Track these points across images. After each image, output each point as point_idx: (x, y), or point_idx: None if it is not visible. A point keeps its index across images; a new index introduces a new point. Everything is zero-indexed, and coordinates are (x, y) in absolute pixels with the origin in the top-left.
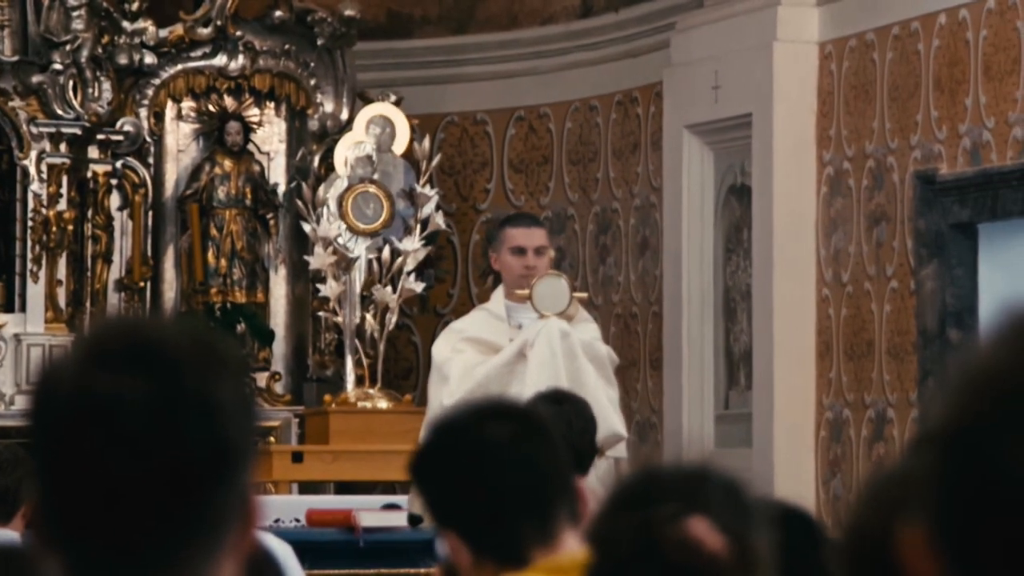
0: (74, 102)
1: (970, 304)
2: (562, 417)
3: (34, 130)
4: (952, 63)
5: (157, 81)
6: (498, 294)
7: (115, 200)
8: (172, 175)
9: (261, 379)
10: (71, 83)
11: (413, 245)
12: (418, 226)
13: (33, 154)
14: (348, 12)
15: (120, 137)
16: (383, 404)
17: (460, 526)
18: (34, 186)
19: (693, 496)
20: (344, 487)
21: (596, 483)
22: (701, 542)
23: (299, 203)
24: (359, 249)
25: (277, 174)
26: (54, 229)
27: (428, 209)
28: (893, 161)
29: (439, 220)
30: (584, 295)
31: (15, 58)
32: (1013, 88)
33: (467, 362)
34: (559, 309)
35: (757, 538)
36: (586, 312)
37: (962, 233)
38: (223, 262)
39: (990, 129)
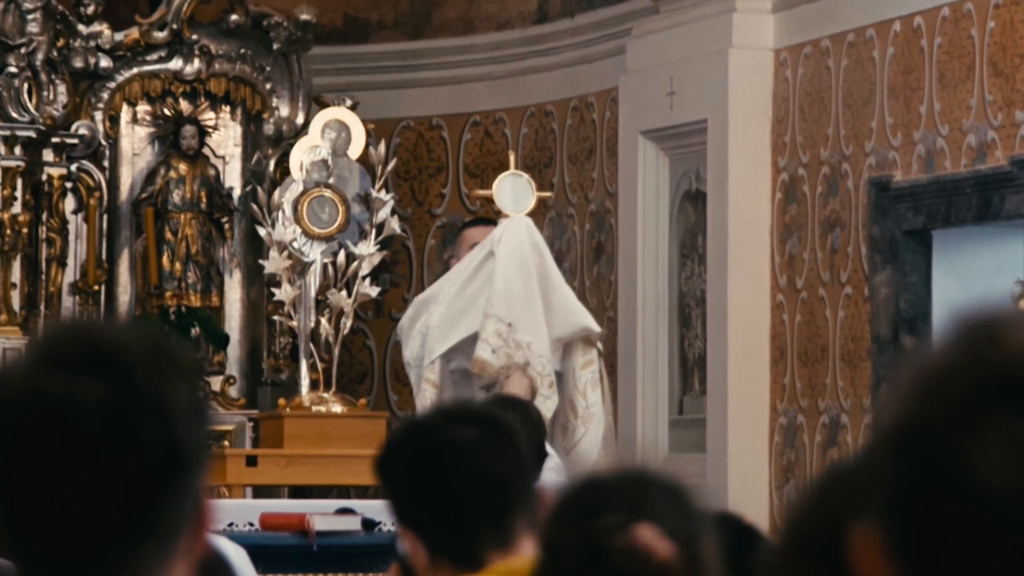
0: (29, 105)
1: (924, 310)
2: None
3: None
4: (907, 70)
5: (112, 84)
6: None
7: (70, 203)
8: (127, 179)
9: (215, 383)
10: (26, 86)
11: (368, 249)
12: (373, 230)
13: None
14: (304, 16)
15: (75, 140)
16: (338, 408)
17: (419, 526)
18: None
19: (638, 503)
20: (298, 491)
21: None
22: (650, 550)
23: (254, 207)
24: (314, 253)
25: (232, 178)
26: (8, 232)
27: (383, 214)
28: (848, 168)
29: (394, 225)
30: (548, 194)
31: None
32: (967, 95)
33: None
34: (524, 208)
35: (704, 541)
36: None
37: (916, 240)
38: (178, 266)
39: (944, 136)
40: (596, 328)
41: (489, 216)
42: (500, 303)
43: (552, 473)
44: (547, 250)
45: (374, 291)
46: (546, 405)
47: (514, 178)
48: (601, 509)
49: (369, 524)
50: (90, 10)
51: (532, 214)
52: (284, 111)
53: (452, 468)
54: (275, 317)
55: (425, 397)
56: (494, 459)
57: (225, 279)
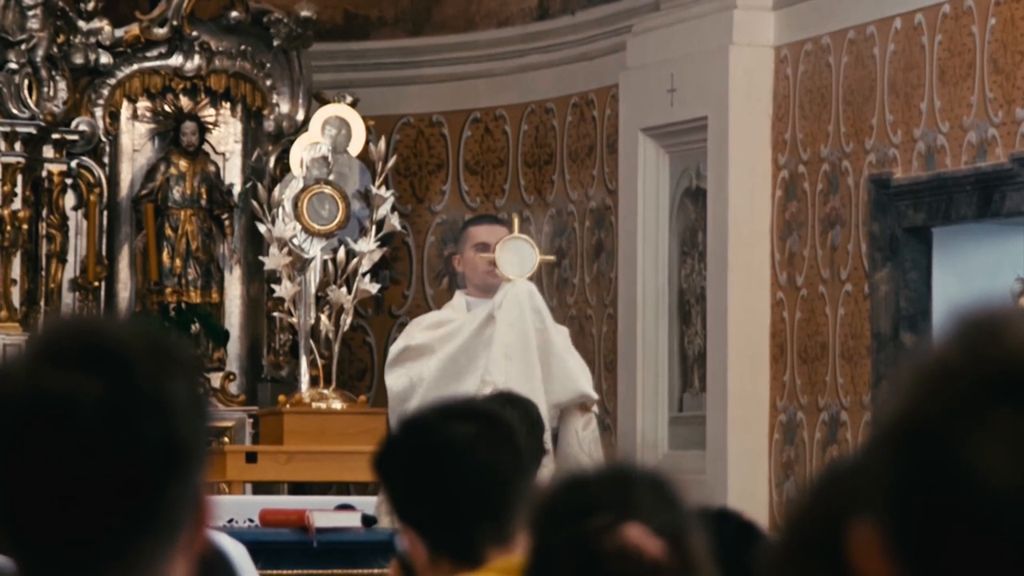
0: (29, 101)
1: (924, 308)
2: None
3: None
4: (907, 67)
5: (113, 81)
6: (459, 294)
7: (70, 200)
8: (127, 175)
9: (215, 379)
10: (26, 82)
11: (368, 246)
12: (373, 227)
13: None
14: (304, 13)
15: (75, 137)
16: (337, 405)
17: (418, 522)
18: None
19: (623, 502)
20: (298, 488)
21: (588, 446)
22: (640, 549)
23: (254, 204)
24: (314, 250)
25: (232, 174)
26: (8, 228)
27: (384, 210)
28: (848, 165)
29: (394, 221)
30: (551, 257)
31: None
32: (968, 93)
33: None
34: (526, 271)
35: (693, 535)
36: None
37: (916, 237)
38: (178, 262)
39: (945, 133)
40: (594, 395)
41: (492, 214)
42: (498, 371)
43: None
44: (548, 315)
45: (374, 288)
46: (542, 473)
47: (517, 242)
48: (587, 510)
49: (369, 520)
50: (90, 6)
51: (534, 276)
52: (284, 108)
53: (450, 465)
54: (275, 313)
55: None
56: (492, 456)
57: (225, 275)
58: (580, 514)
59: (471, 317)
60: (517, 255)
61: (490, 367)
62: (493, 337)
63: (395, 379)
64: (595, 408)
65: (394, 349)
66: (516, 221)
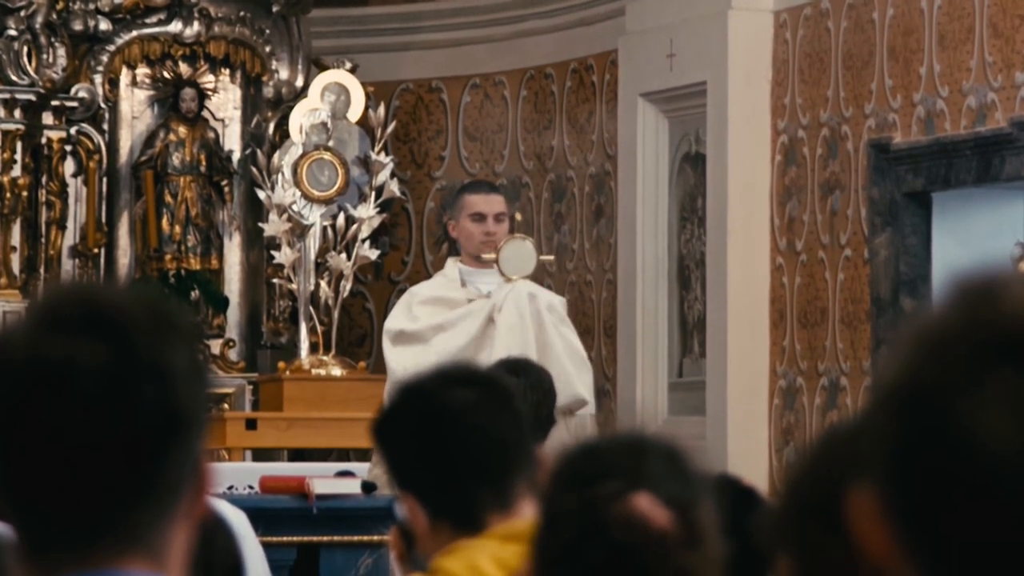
0: (28, 68)
1: (923, 273)
2: (518, 388)
3: None
4: (906, 32)
5: (112, 47)
6: (451, 261)
7: (69, 166)
8: (127, 142)
9: (215, 346)
10: (25, 49)
11: (368, 212)
12: (373, 193)
13: None
14: None
15: (75, 104)
16: (337, 371)
17: (418, 489)
18: None
19: (634, 471)
20: (298, 454)
21: (567, 438)
22: (647, 518)
23: (254, 170)
24: (313, 216)
25: (232, 141)
26: (8, 195)
27: (383, 176)
28: (847, 130)
29: (394, 187)
30: (551, 257)
31: None
32: (967, 57)
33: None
34: (526, 272)
35: (702, 508)
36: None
37: (916, 202)
38: (177, 229)
39: (944, 98)
40: (588, 398)
41: (489, 181)
42: None
43: (565, 430)
44: (548, 318)
45: (373, 254)
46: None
47: (517, 242)
48: (597, 477)
49: (368, 487)
50: None
51: (534, 275)
52: (284, 74)
53: (450, 431)
54: (275, 280)
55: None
56: (492, 421)
57: (224, 242)
58: (590, 480)
59: (469, 315)
60: (517, 255)
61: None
62: (493, 340)
63: (397, 360)
64: (591, 409)
65: (392, 324)
66: (518, 217)
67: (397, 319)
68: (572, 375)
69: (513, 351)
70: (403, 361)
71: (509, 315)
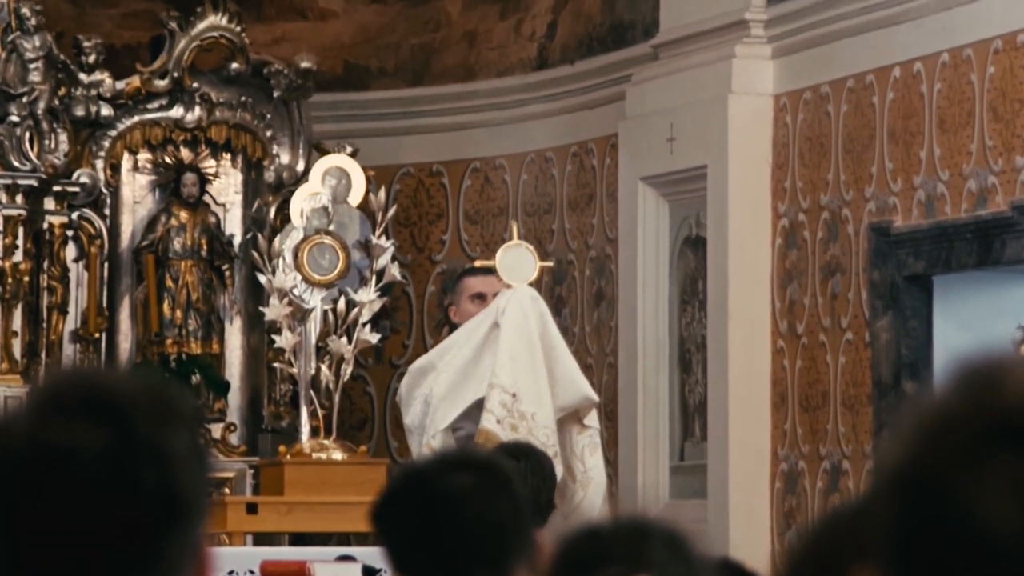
0: (30, 154)
1: (925, 356)
2: (517, 473)
3: None
4: (907, 115)
5: (113, 133)
6: None
7: (71, 251)
8: (128, 226)
9: (216, 430)
10: (28, 135)
11: (368, 296)
12: (373, 277)
13: None
14: (305, 64)
15: (76, 189)
16: (338, 455)
17: (417, 573)
18: None
19: (636, 555)
20: (299, 538)
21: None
22: None
23: (255, 254)
24: (314, 300)
25: (233, 225)
26: (10, 280)
27: (384, 260)
28: (848, 213)
29: (395, 271)
30: (551, 263)
31: None
32: (967, 141)
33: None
34: (528, 279)
35: None
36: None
37: (916, 285)
38: (178, 313)
39: (944, 181)
40: (595, 397)
41: (488, 265)
42: (505, 373)
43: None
44: (551, 319)
45: (374, 338)
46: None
47: (516, 248)
48: (599, 561)
49: (370, 571)
50: (91, 59)
51: (535, 283)
52: (285, 158)
53: (448, 515)
54: (275, 364)
55: None
56: (490, 505)
57: (226, 326)
58: (592, 565)
59: (471, 327)
60: (517, 261)
61: (497, 370)
62: (499, 341)
63: (412, 413)
64: (595, 421)
65: (402, 386)
66: (515, 227)
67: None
68: (577, 374)
69: (519, 350)
70: (414, 409)
71: (513, 316)
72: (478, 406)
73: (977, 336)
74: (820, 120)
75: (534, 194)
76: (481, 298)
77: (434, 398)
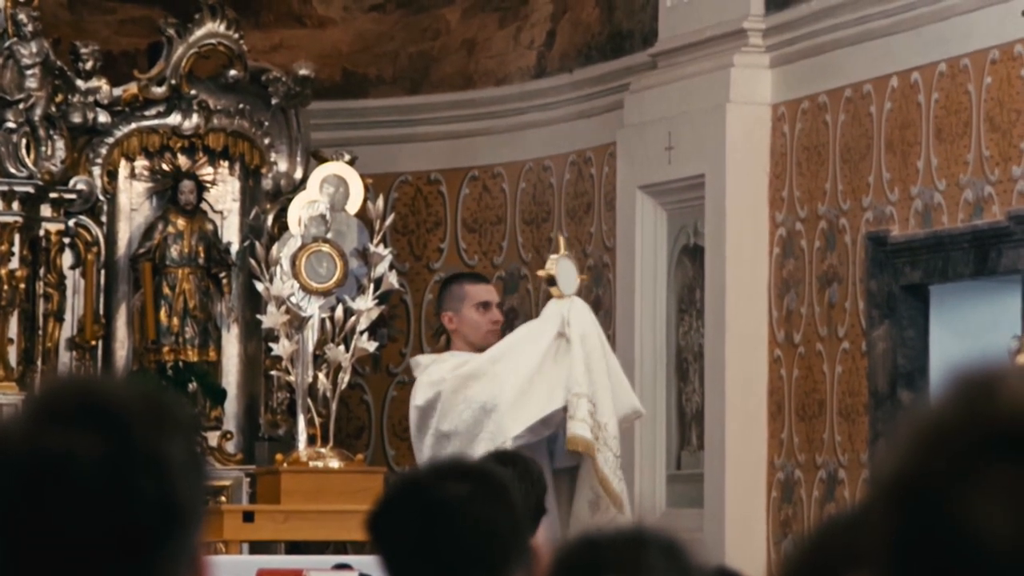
0: (27, 160)
1: (921, 365)
2: (509, 479)
3: None
4: (904, 125)
5: (111, 140)
6: (451, 353)
7: (67, 258)
8: (125, 234)
9: (213, 438)
10: (24, 141)
11: (366, 304)
12: (371, 285)
13: None
14: (303, 72)
15: (73, 196)
16: (335, 463)
17: None
18: None
19: (634, 564)
20: (295, 547)
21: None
22: None
23: (252, 262)
24: (312, 308)
25: (230, 233)
26: (5, 287)
27: (381, 268)
28: (845, 222)
29: (392, 279)
30: (584, 277)
31: None
32: (964, 150)
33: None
34: (575, 289)
35: None
36: None
37: (913, 294)
38: (175, 321)
39: (941, 191)
40: (642, 409)
41: (479, 272)
42: (586, 383)
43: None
44: (602, 331)
45: (372, 346)
46: (620, 487)
47: (565, 259)
48: (597, 570)
49: None
50: (88, 65)
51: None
52: (282, 166)
53: (444, 524)
54: (272, 372)
55: None
56: (486, 514)
57: (223, 334)
58: (591, 573)
59: (529, 336)
60: (565, 272)
61: (579, 379)
62: (571, 351)
63: (453, 418)
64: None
65: (421, 402)
66: (562, 240)
67: (425, 395)
68: (627, 384)
69: (592, 360)
70: (462, 417)
71: (582, 326)
72: (543, 421)
73: (973, 346)
74: (818, 129)
75: (532, 202)
76: (486, 307)
77: (502, 405)
